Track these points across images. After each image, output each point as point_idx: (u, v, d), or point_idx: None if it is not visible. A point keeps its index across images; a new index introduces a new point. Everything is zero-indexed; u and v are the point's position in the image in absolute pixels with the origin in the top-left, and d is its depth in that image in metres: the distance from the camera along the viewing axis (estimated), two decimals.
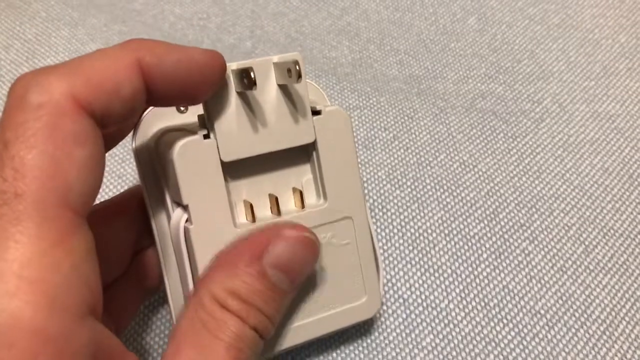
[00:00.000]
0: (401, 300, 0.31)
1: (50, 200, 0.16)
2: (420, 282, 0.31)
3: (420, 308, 0.31)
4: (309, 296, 0.24)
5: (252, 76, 0.20)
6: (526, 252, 0.33)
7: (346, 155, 0.24)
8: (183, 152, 0.21)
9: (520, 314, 0.31)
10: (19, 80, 0.17)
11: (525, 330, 0.31)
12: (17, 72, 0.40)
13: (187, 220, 0.22)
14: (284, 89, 0.22)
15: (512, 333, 0.30)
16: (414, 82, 0.42)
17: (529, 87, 0.43)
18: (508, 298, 0.32)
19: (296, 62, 0.21)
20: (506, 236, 0.34)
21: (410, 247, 0.32)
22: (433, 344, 0.30)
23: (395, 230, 0.33)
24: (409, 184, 0.35)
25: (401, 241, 0.33)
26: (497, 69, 0.44)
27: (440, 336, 0.30)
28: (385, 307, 0.30)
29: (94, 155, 0.18)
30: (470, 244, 0.33)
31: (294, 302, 0.23)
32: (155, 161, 0.23)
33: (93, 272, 0.18)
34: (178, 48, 0.19)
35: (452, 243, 0.33)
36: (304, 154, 0.24)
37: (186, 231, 0.22)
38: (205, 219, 0.21)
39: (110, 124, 0.18)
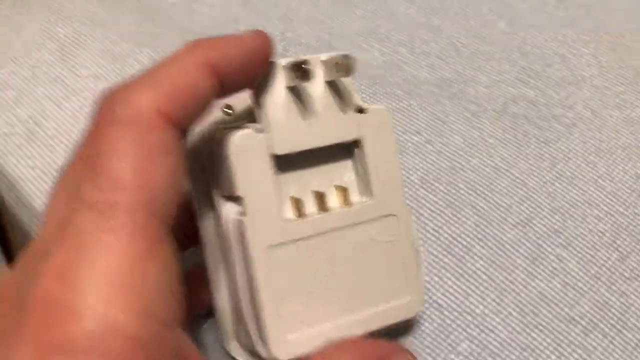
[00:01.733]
0: (436, 305, 0.31)
1: (140, 210, 0.17)
2: (455, 287, 0.32)
3: (455, 313, 0.31)
4: (350, 293, 0.24)
5: (308, 68, 0.21)
6: (560, 257, 0.34)
7: (389, 153, 0.25)
8: (238, 144, 0.22)
9: (556, 321, 0.31)
10: (107, 96, 0.19)
11: (561, 337, 0.31)
12: (51, 71, 0.41)
13: (239, 214, 0.22)
14: (331, 85, 0.23)
15: (548, 340, 0.31)
16: (445, 85, 0.42)
17: (560, 92, 0.43)
18: (543, 304, 0.32)
19: (347, 56, 0.21)
20: (540, 242, 0.34)
21: (445, 252, 0.33)
22: (469, 350, 0.30)
23: (429, 235, 0.33)
24: (442, 188, 0.35)
25: (435, 246, 0.33)
26: (528, 73, 0.44)
27: (476, 342, 0.30)
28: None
29: (178, 165, 0.19)
30: (504, 249, 0.33)
31: (335, 298, 0.24)
32: (202, 158, 0.24)
33: (177, 279, 0.18)
34: (235, 39, 0.20)
35: (487, 248, 0.33)
36: (343, 150, 0.25)
37: (239, 223, 0.22)
38: (258, 211, 0.22)
39: (188, 126, 0.20)
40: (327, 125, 0.23)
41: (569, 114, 0.42)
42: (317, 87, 0.23)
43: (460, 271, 0.32)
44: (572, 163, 0.38)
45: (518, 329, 0.31)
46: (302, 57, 0.23)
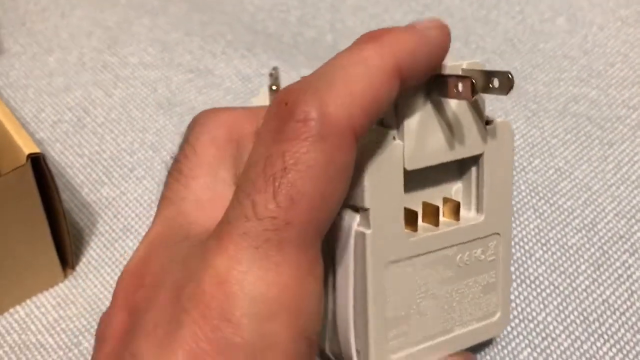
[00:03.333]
0: (505, 328, 0.30)
1: (310, 231, 0.17)
2: (517, 293, 0.31)
3: (517, 320, 0.30)
4: (450, 313, 0.24)
5: (474, 85, 0.19)
6: (627, 264, 0.33)
7: (505, 170, 0.24)
8: (373, 148, 0.20)
9: (622, 330, 0.30)
10: (296, 100, 0.17)
11: (628, 348, 0.30)
12: (100, 59, 0.41)
13: (359, 225, 0.21)
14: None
15: (614, 350, 0.30)
16: None
17: (623, 92, 0.42)
18: (608, 313, 0.31)
19: (508, 74, 0.20)
20: (605, 247, 0.33)
21: None
22: (531, 358, 0.29)
23: None
24: None
25: None
26: (589, 72, 0.43)
27: (538, 350, 0.29)
28: None
29: (348, 184, 0.18)
30: (568, 254, 0.33)
31: (436, 318, 0.23)
32: None
33: (323, 302, 0.19)
34: (423, 39, 0.19)
35: (549, 253, 0.32)
36: (455, 162, 0.23)
37: (359, 236, 0.21)
38: (382, 226, 0.21)
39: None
40: (459, 140, 0.22)
41: (634, 115, 0.40)
42: (451, 100, 0.21)
43: (522, 277, 0.32)
44: (638, 166, 0.37)
45: (582, 337, 0.30)
46: (455, 64, 0.21)
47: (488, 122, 0.23)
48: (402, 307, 0.22)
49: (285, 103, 0.17)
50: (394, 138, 0.21)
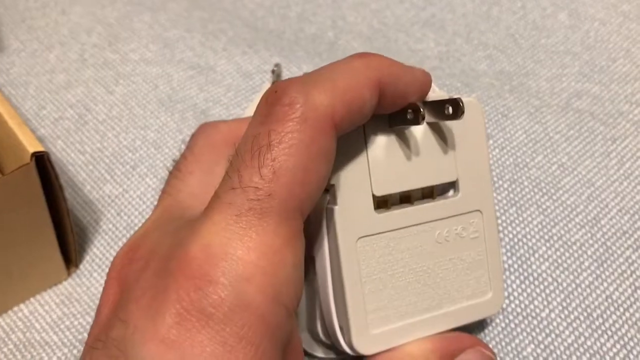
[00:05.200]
0: (499, 309, 0.31)
1: (291, 205, 0.19)
2: (520, 290, 0.31)
3: (520, 317, 0.31)
4: (434, 290, 0.24)
5: (422, 112, 0.21)
6: (630, 260, 0.33)
7: (479, 148, 0.24)
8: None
9: (626, 326, 0.31)
10: (285, 88, 0.19)
11: (632, 344, 0.30)
12: (101, 55, 0.41)
13: (329, 203, 0.22)
14: (432, 125, 0.23)
15: (618, 346, 0.30)
16: (505, 78, 0.42)
17: (626, 87, 0.42)
18: (612, 309, 0.31)
19: (458, 101, 0.21)
20: (609, 243, 0.33)
21: (509, 254, 0.32)
22: (535, 354, 0.30)
23: None
24: (505, 186, 0.35)
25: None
26: (592, 68, 0.43)
27: (542, 346, 0.30)
28: None
29: (329, 171, 0.20)
30: (571, 250, 0.33)
31: (419, 294, 0.24)
32: None
33: (302, 273, 0.20)
34: (408, 70, 0.21)
35: (553, 250, 0.33)
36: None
37: (329, 213, 0.22)
38: (350, 202, 0.22)
39: (342, 133, 0.21)
40: (428, 168, 0.23)
41: (636, 110, 0.41)
42: (419, 128, 0.23)
43: (525, 274, 0.32)
44: None
45: (586, 334, 0.30)
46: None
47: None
48: (378, 281, 0.23)
49: (274, 91, 0.20)
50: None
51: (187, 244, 0.19)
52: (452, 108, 0.22)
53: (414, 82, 0.21)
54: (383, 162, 0.23)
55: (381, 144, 0.23)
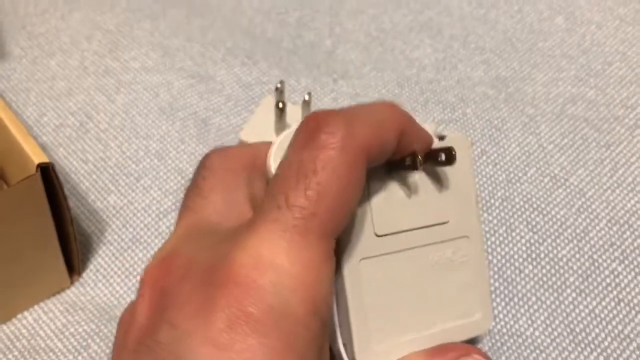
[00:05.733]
0: (488, 329, 0.32)
1: (330, 225, 0.21)
2: (505, 312, 0.33)
3: (505, 337, 0.32)
4: (429, 309, 0.25)
5: (419, 160, 0.23)
6: (615, 273, 0.34)
7: (465, 177, 0.26)
8: None
9: (609, 339, 0.32)
10: (328, 119, 0.21)
11: (615, 355, 0.31)
12: (101, 63, 0.42)
13: None
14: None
15: (601, 358, 0.31)
16: (501, 85, 0.42)
17: (621, 91, 0.43)
18: (595, 322, 0.32)
19: (451, 150, 0.23)
20: (595, 256, 0.34)
21: (496, 276, 0.34)
22: None
23: None
24: (497, 204, 0.36)
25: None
26: (588, 72, 0.44)
27: None
28: None
29: (360, 196, 0.22)
30: (557, 267, 0.34)
31: (415, 313, 0.25)
32: None
33: (333, 289, 0.22)
34: (419, 127, 0.24)
35: (539, 268, 0.34)
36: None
37: None
38: (353, 225, 0.24)
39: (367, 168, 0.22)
40: (423, 208, 0.25)
41: (631, 114, 0.41)
42: (413, 173, 0.25)
43: (510, 295, 0.33)
44: (635, 167, 0.38)
45: (569, 348, 0.32)
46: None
47: (441, 138, 0.26)
48: (380, 300, 0.25)
49: (315, 120, 0.21)
50: None
51: (235, 255, 0.20)
52: (446, 156, 0.24)
53: (421, 137, 0.24)
54: (383, 204, 0.25)
55: (381, 186, 0.24)
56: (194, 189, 0.25)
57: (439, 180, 0.26)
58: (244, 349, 0.18)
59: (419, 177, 0.25)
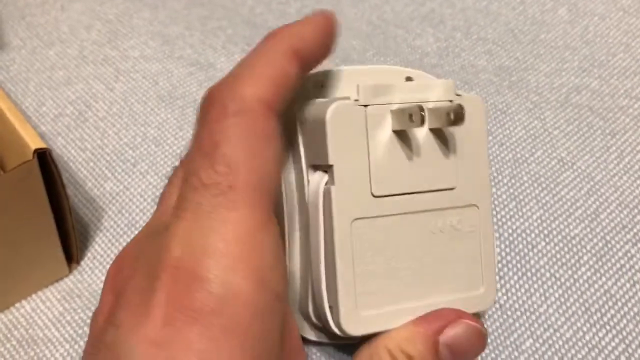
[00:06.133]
0: (497, 305, 0.31)
1: (254, 189, 0.20)
2: (518, 286, 0.32)
3: (518, 313, 0.31)
4: (427, 279, 0.24)
5: (423, 115, 0.22)
6: (629, 255, 0.33)
7: (478, 142, 0.25)
8: (336, 113, 0.23)
9: (624, 320, 0.31)
10: (214, 92, 0.21)
11: (630, 337, 0.31)
12: (100, 52, 0.41)
13: (327, 183, 0.23)
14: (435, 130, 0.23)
15: (616, 340, 0.30)
16: (504, 73, 0.42)
17: (625, 82, 0.42)
18: (610, 303, 0.32)
19: (460, 108, 0.22)
20: (608, 238, 0.34)
21: (508, 249, 0.33)
22: (533, 348, 0.30)
23: None
24: (505, 181, 0.35)
25: (498, 242, 0.33)
26: (591, 62, 0.43)
27: (541, 340, 0.30)
28: None
29: (280, 147, 0.21)
30: (570, 245, 0.33)
31: (411, 281, 0.24)
32: (290, 130, 0.24)
33: (283, 255, 0.21)
34: (314, 25, 0.23)
35: (552, 245, 0.33)
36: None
37: (326, 192, 0.23)
38: (347, 182, 0.23)
39: (283, 110, 0.22)
40: (428, 171, 0.24)
41: (636, 105, 0.41)
42: (421, 132, 0.24)
43: (523, 269, 0.32)
44: None
45: (584, 328, 0.31)
46: (410, 106, 0.23)
47: (457, 95, 0.25)
48: (370, 265, 0.23)
49: (206, 97, 0.21)
50: (357, 102, 0.23)
51: (168, 246, 0.19)
52: (454, 115, 0.22)
53: (321, 28, 0.23)
54: (384, 162, 0.23)
55: (382, 144, 0.23)
56: (171, 176, 0.25)
57: (447, 142, 0.24)
58: (183, 343, 0.18)
59: (426, 137, 0.24)
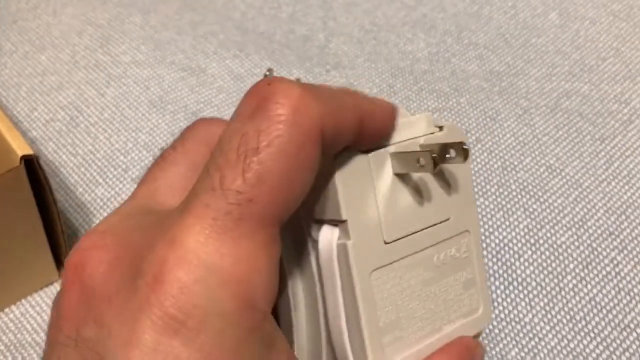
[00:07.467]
0: (489, 322, 0.31)
1: (271, 211, 0.18)
2: (504, 295, 0.32)
3: (504, 323, 0.31)
4: (436, 312, 0.24)
5: (435, 158, 0.21)
6: (615, 261, 0.33)
7: (463, 171, 0.24)
8: (342, 165, 0.21)
9: (609, 328, 0.31)
10: (281, 85, 0.18)
11: (615, 345, 0.30)
12: (92, 57, 0.41)
13: (339, 238, 0.22)
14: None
15: (600, 347, 0.30)
16: (495, 79, 0.42)
17: (615, 86, 0.42)
18: (595, 311, 0.31)
19: (462, 145, 0.21)
20: (594, 245, 0.34)
21: (494, 259, 0.33)
22: (519, 357, 0.30)
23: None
24: (493, 190, 0.35)
25: (485, 252, 0.33)
26: (582, 67, 0.43)
27: (526, 350, 0.30)
28: None
29: (311, 183, 0.19)
30: (556, 254, 0.33)
31: (425, 318, 0.24)
32: None
33: (277, 278, 0.20)
34: (382, 107, 0.21)
35: (538, 253, 0.33)
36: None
37: (341, 248, 0.22)
38: (362, 235, 0.22)
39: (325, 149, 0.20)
40: (427, 209, 0.24)
41: (625, 109, 0.41)
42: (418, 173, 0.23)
43: (510, 279, 0.32)
44: (629, 161, 0.38)
45: (569, 336, 0.31)
46: (412, 142, 0.23)
47: (440, 129, 0.24)
48: (392, 313, 0.23)
49: (268, 84, 0.18)
50: (363, 152, 0.22)
51: (159, 246, 0.18)
52: (463, 153, 0.22)
53: (386, 120, 0.22)
54: (390, 207, 0.23)
55: (387, 188, 0.23)
56: (159, 159, 0.23)
57: (439, 176, 0.24)
58: (169, 351, 0.17)
59: (422, 175, 0.24)
